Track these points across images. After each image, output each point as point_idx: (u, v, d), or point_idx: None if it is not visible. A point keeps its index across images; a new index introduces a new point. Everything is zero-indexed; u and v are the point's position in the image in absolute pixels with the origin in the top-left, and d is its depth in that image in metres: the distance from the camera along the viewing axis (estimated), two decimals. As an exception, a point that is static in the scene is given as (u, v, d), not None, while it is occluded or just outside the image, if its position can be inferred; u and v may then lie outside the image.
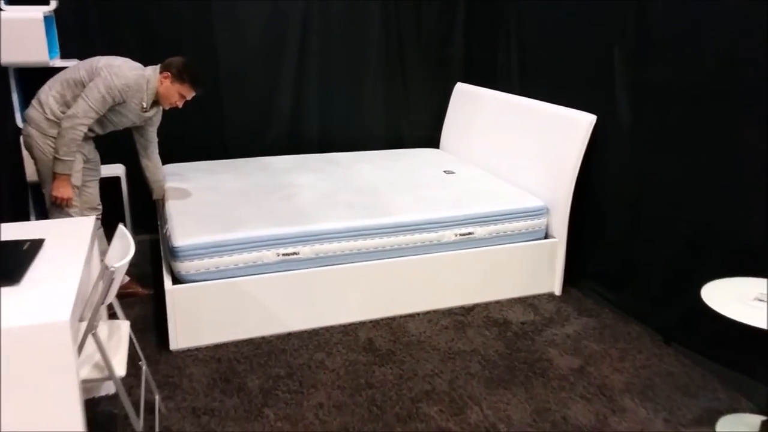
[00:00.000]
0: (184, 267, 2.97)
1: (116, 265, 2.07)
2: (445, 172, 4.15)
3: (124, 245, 2.32)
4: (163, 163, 4.27)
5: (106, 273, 2.06)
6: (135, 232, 4.42)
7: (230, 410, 2.58)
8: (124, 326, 2.45)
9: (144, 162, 3.50)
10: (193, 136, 4.47)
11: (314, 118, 4.70)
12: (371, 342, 3.13)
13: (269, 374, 2.84)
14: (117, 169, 4.15)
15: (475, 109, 4.51)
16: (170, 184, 3.76)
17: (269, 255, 3.08)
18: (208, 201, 3.48)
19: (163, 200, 3.58)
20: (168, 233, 3.14)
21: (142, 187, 4.22)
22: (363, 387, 2.75)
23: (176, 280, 3.02)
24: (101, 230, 3.36)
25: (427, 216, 3.34)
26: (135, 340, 2.52)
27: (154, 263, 4.04)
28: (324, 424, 2.49)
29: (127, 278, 3.54)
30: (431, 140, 5.03)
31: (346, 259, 3.22)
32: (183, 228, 3.09)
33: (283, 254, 3.10)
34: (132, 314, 3.36)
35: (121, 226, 2.40)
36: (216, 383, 2.77)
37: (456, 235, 3.39)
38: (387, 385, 2.76)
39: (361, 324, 3.29)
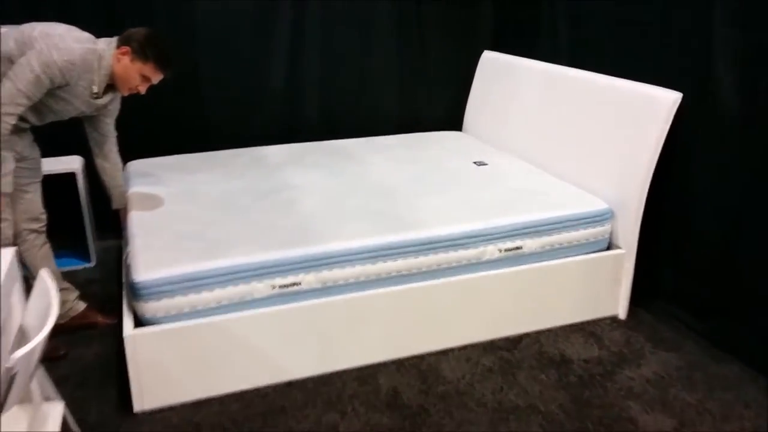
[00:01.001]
0: (149, 308, 2.25)
1: (18, 355, 1.34)
2: (475, 163, 3.39)
3: (41, 307, 1.58)
4: (129, 158, 3.51)
5: (4, 370, 1.34)
6: (99, 236, 3.68)
7: None
8: (54, 412, 1.74)
9: (99, 162, 2.74)
10: (166, 124, 3.69)
11: (314, 97, 3.92)
12: (396, 393, 2.42)
13: (265, 452, 2.14)
14: (72, 163, 3.39)
15: (508, 83, 3.73)
16: (135, 189, 3.01)
17: (261, 288, 2.35)
18: (182, 213, 2.73)
19: (125, 211, 2.83)
20: (128, 261, 2.41)
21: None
22: (391, 472, 2.05)
23: (141, 322, 2.29)
24: (46, 247, 2.64)
25: (464, 228, 2.60)
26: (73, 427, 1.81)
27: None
28: None
29: (83, 305, 2.82)
30: (453, 121, 4.25)
31: (362, 287, 2.49)
32: (147, 256, 2.35)
33: (281, 286, 2.37)
34: (88, 355, 2.64)
35: (42, 274, 1.66)
36: (194, 469, 2.07)
37: (500, 251, 2.65)
38: (423, 468, 2.07)
39: (382, 366, 2.58)
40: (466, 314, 2.66)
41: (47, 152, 3.44)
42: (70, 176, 3.37)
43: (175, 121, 3.71)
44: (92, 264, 3.49)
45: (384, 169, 3.31)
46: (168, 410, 2.34)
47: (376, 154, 3.57)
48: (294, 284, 2.39)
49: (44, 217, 2.64)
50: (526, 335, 2.80)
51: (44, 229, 2.64)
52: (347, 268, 2.45)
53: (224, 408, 2.35)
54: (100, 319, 2.86)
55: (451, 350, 2.70)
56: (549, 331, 2.84)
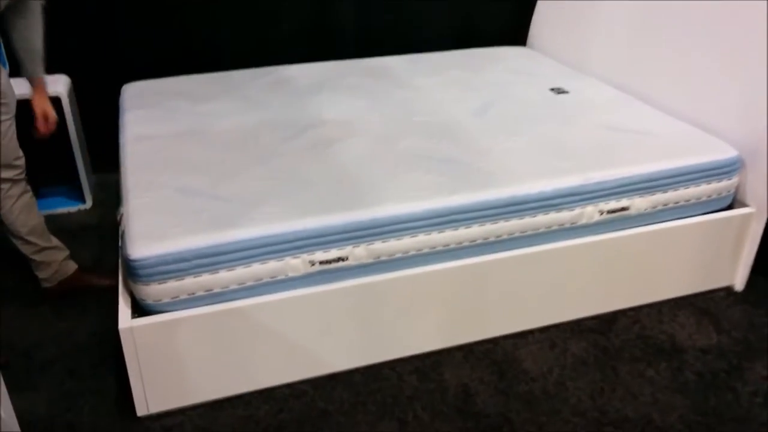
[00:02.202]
0: (150, 292, 1.70)
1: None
2: (553, 90, 2.72)
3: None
4: (125, 80, 2.89)
5: None
6: (95, 169, 3.11)
7: None
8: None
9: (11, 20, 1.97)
10: (169, 38, 3.02)
11: (347, 3, 3.20)
12: (467, 394, 1.91)
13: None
14: (56, 84, 2.77)
15: (590, -14, 2.99)
16: (130, 125, 2.39)
17: (297, 264, 1.79)
18: (189, 159, 2.13)
19: (40, 95, 2.13)
20: (122, 227, 1.85)
21: (98, 105, 2.91)
22: None
23: (140, 310, 1.76)
24: (26, 197, 2.11)
25: (559, 184, 1.99)
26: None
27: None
28: None
29: (73, 266, 2.29)
30: (515, 34, 3.51)
31: (424, 260, 1.92)
32: (147, 222, 1.78)
33: (322, 262, 1.81)
34: (80, 332, 2.13)
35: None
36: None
37: (601, 213, 2.05)
38: None
39: (446, 354, 2.06)
40: (550, 290, 2.10)
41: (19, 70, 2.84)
42: (55, 101, 2.74)
43: (180, 34, 3.03)
44: (87, 205, 2.94)
45: (438, 97, 2.66)
46: (179, 413, 1.85)
47: (426, 76, 2.90)
48: (339, 259, 1.82)
49: (21, 162, 2.07)
50: (621, 313, 2.25)
51: (23, 176, 2.08)
52: (406, 239, 1.87)
53: (250, 411, 1.85)
54: (94, 281, 2.34)
55: (530, 333, 2.16)
56: (649, 307, 2.28)
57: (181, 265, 1.69)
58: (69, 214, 2.90)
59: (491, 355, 2.07)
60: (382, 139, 2.26)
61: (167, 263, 1.67)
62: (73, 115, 2.83)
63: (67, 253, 2.27)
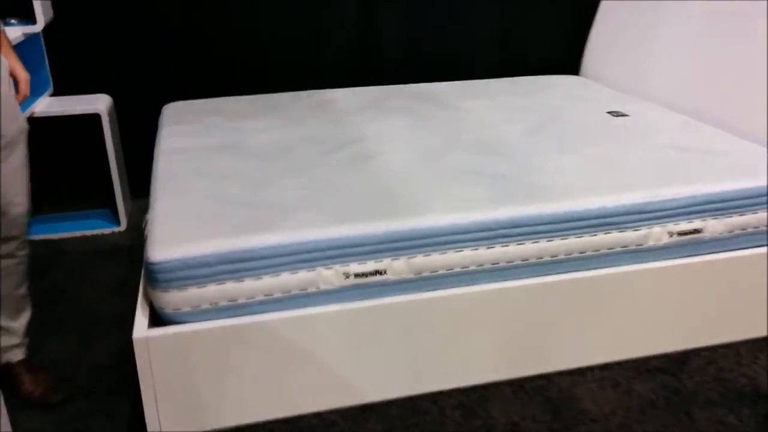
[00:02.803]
0: (169, 300, 1.56)
1: None
2: (611, 114, 2.55)
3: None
4: (167, 101, 2.85)
5: None
6: (134, 193, 3.05)
7: None
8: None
9: None
10: (213, 62, 2.99)
11: (393, 30, 3.13)
12: (517, 434, 1.68)
13: None
14: (96, 102, 2.74)
15: (647, 12, 2.84)
16: (166, 137, 2.31)
17: (330, 276, 1.63)
18: (223, 169, 2.02)
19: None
20: (146, 232, 1.73)
21: (141, 128, 2.86)
22: None
23: (158, 320, 1.61)
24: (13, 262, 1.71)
25: (622, 200, 1.79)
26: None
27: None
28: None
29: (20, 356, 1.80)
30: (567, 64, 3.38)
31: (470, 279, 1.74)
32: (171, 226, 1.65)
33: (357, 275, 1.64)
34: (100, 353, 2.00)
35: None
36: None
37: (671, 235, 1.84)
38: None
39: (494, 390, 1.84)
40: (612, 322, 1.87)
41: (66, 90, 2.86)
42: (95, 118, 2.72)
43: (225, 59, 3.00)
44: (122, 228, 2.86)
45: (487, 118, 2.51)
46: (195, 440, 1.67)
47: (474, 99, 2.77)
48: (376, 273, 1.65)
49: (23, 224, 1.68)
50: (693, 353, 1.99)
51: (23, 251, 1.71)
52: (450, 253, 1.69)
53: (274, 441, 1.66)
54: (26, 387, 1.78)
55: (589, 370, 1.92)
56: (725, 348, 2.02)
57: (204, 271, 1.54)
58: (102, 236, 2.83)
59: (545, 392, 1.83)
60: (426, 153, 2.12)
61: (189, 267, 1.53)
62: (113, 135, 2.79)
63: (22, 341, 1.79)
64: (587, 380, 1.88)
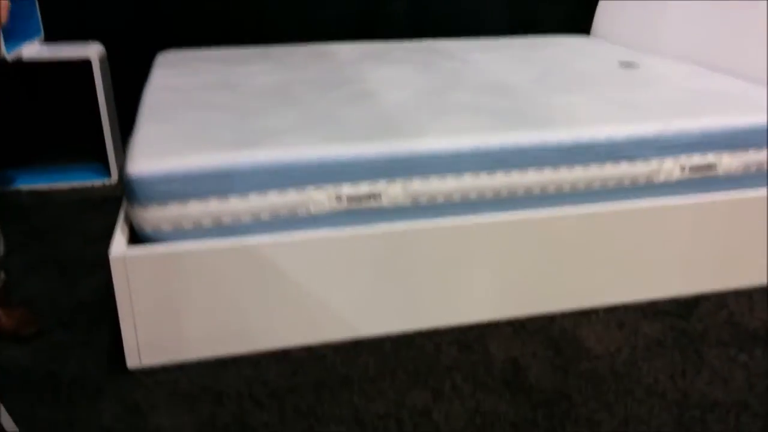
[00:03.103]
0: (149, 217, 1.47)
1: None
2: (621, 64, 2.45)
3: None
4: (161, 49, 2.76)
5: None
6: (125, 146, 2.96)
7: None
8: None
9: None
10: (209, 12, 2.90)
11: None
12: (518, 368, 1.59)
13: (317, 449, 1.36)
14: (87, 49, 2.65)
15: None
16: (158, 81, 2.20)
17: (320, 198, 1.54)
18: (215, 101, 1.93)
19: None
20: (128, 149, 1.64)
21: (133, 77, 2.76)
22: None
23: (137, 239, 1.53)
24: None
25: (632, 130, 1.70)
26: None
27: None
28: None
29: None
30: (577, 25, 3.27)
31: (470, 208, 1.64)
32: (153, 142, 1.56)
33: (350, 198, 1.55)
34: (83, 290, 1.91)
35: None
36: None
37: (683, 169, 1.74)
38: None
39: (493, 328, 1.74)
40: (619, 261, 1.77)
41: (57, 35, 2.77)
42: (86, 67, 2.62)
43: (221, 7, 2.91)
44: (112, 180, 2.77)
45: (493, 67, 2.41)
46: (176, 369, 1.58)
47: (482, 53, 2.67)
48: (370, 197, 1.56)
49: None
50: (704, 297, 1.90)
51: None
52: (450, 179, 1.60)
53: (259, 372, 1.57)
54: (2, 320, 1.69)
55: (594, 312, 1.83)
56: (738, 293, 1.92)
57: (187, 187, 1.46)
58: (92, 188, 2.74)
59: (546, 330, 1.74)
60: (428, 92, 2.02)
61: (170, 181, 1.44)
62: (104, 83, 2.69)
63: None
64: (591, 321, 1.78)
